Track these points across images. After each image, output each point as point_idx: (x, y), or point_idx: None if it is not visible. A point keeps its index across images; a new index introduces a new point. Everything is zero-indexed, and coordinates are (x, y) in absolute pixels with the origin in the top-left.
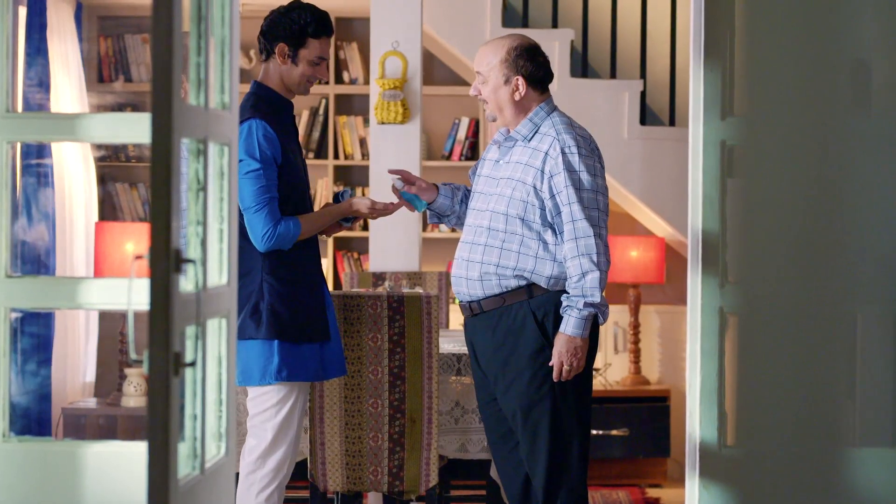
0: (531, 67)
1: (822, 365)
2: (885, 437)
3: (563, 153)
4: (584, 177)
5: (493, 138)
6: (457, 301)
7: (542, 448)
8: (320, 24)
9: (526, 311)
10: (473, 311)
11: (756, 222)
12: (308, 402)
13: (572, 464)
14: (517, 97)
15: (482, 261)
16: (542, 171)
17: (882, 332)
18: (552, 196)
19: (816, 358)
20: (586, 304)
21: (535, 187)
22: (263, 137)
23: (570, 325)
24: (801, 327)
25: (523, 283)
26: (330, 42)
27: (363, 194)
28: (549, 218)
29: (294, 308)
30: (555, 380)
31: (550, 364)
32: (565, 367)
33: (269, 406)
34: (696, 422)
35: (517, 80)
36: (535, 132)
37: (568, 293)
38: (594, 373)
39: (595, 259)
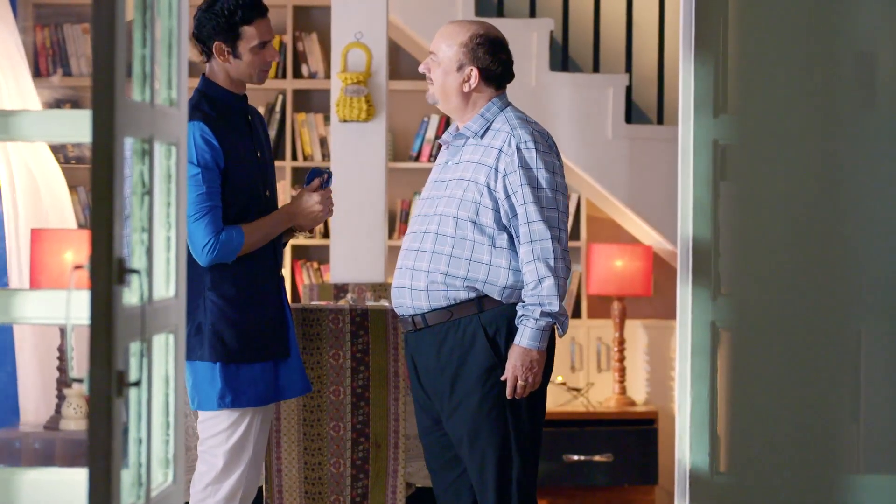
0: (489, 61)
1: (823, 385)
2: (891, 463)
3: (519, 149)
4: (542, 175)
5: (442, 138)
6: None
7: (491, 476)
8: (248, 7)
9: (476, 327)
10: (417, 325)
11: (751, 229)
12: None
13: (525, 489)
14: (466, 88)
15: (429, 269)
16: (496, 170)
17: (888, 348)
18: (507, 196)
19: (817, 377)
20: (543, 314)
21: (488, 187)
22: (201, 139)
23: (525, 337)
24: (800, 343)
25: (473, 294)
26: (268, 20)
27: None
28: (504, 220)
29: (239, 327)
30: (508, 396)
31: (504, 378)
32: (520, 383)
33: (219, 431)
34: (686, 446)
35: (471, 70)
36: (488, 128)
37: (524, 302)
38: (576, 392)
39: (552, 264)
